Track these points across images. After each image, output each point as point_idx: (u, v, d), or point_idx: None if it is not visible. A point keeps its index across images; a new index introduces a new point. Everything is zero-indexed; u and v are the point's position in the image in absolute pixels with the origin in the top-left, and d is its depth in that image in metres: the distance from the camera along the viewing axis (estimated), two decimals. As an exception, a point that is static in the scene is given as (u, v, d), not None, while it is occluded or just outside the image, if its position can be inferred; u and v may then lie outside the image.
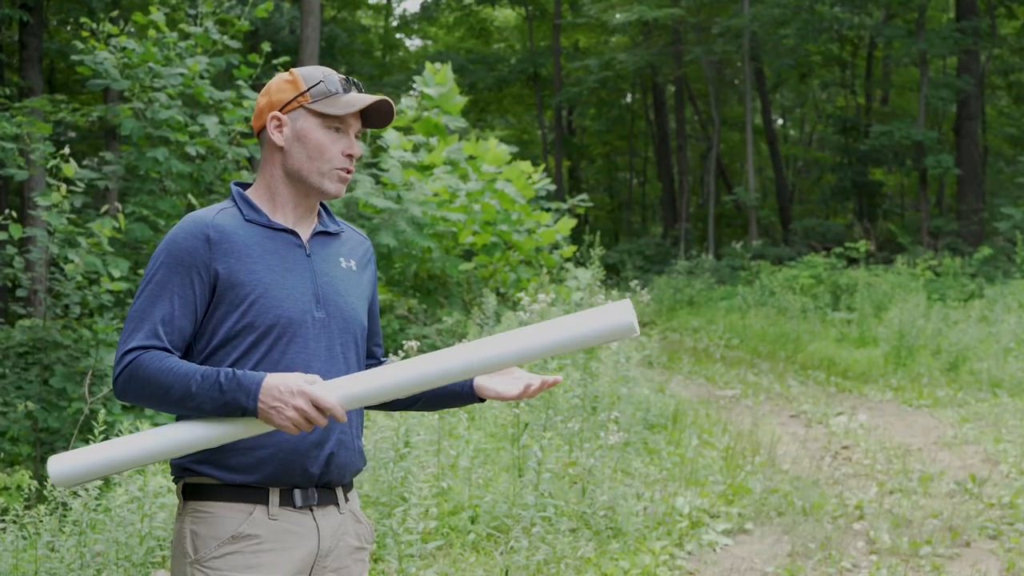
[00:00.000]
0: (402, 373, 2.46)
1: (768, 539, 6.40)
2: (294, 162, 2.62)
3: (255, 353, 2.51)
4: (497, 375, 2.68)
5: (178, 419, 2.56)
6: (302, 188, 2.64)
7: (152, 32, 9.38)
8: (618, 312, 2.40)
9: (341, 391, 2.43)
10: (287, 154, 2.62)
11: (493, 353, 2.44)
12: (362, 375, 2.48)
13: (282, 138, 2.63)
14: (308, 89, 2.61)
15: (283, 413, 2.39)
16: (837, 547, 6.14)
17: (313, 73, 2.64)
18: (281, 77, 2.68)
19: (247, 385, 2.41)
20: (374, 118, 2.69)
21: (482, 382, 2.69)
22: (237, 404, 2.41)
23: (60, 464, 2.46)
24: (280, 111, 2.63)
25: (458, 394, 2.75)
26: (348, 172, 2.65)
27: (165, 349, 2.48)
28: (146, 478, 5.09)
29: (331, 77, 2.63)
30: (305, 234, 2.66)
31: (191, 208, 9.29)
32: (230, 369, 2.44)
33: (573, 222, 13.60)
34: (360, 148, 2.68)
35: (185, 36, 9.85)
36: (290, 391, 2.39)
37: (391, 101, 2.65)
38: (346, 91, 2.63)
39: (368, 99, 2.62)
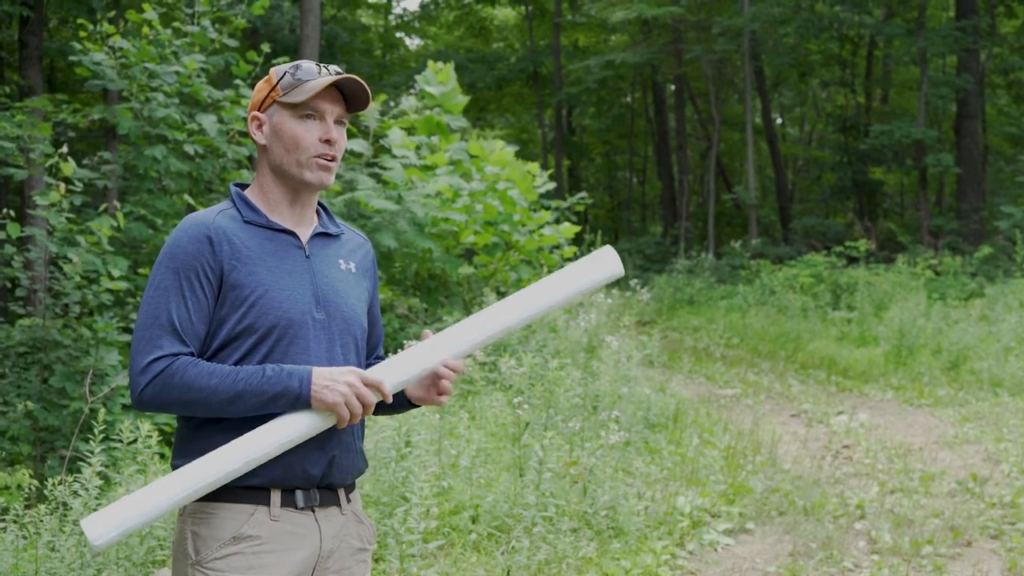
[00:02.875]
0: (442, 347, 2.60)
1: (769, 539, 6.39)
2: (275, 157, 2.61)
3: (256, 355, 2.50)
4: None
5: (182, 435, 2.55)
6: (289, 183, 2.63)
7: (147, 30, 9.36)
8: (606, 259, 2.70)
9: (386, 374, 2.54)
10: (270, 151, 2.62)
11: (509, 319, 2.63)
12: (400, 359, 2.57)
13: (263, 136, 2.63)
14: (278, 82, 2.61)
15: (335, 389, 2.44)
16: (838, 547, 6.13)
17: (285, 67, 2.63)
18: (263, 79, 2.69)
19: (298, 372, 2.45)
20: (354, 101, 2.66)
21: (410, 391, 2.70)
22: (288, 392, 2.44)
23: (96, 526, 2.37)
24: (258, 110, 2.64)
25: (401, 403, 2.75)
26: (330, 159, 2.61)
27: (191, 354, 2.48)
28: (146, 478, 5.09)
29: (304, 66, 2.61)
30: (304, 235, 2.66)
31: (189, 208, 9.27)
32: (274, 364, 2.47)
33: (577, 228, 13.58)
34: (339, 133, 2.64)
35: (181, 34, 9.83)
36: (340, 371, 2.47)
37: (358, 78, 2.61)
38: (311, 77, 2.59)
39: (327, 79, 2.58)
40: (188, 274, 2.49)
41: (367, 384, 2.48)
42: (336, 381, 2.45)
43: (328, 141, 2.61)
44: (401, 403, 2.73)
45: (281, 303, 2.52)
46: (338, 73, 2.63)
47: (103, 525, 2.37)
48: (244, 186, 2.71)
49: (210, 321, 2.52)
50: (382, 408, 2.68)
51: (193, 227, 2.53)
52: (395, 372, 2.55)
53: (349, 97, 2.65)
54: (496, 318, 2.62)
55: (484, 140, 13.62)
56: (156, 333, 2.47)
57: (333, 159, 2.63)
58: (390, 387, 2.52)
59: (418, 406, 2.73)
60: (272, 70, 2.65)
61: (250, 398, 2.43)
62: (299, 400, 2.45)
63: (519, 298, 2.64)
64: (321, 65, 2.63)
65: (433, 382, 2.64)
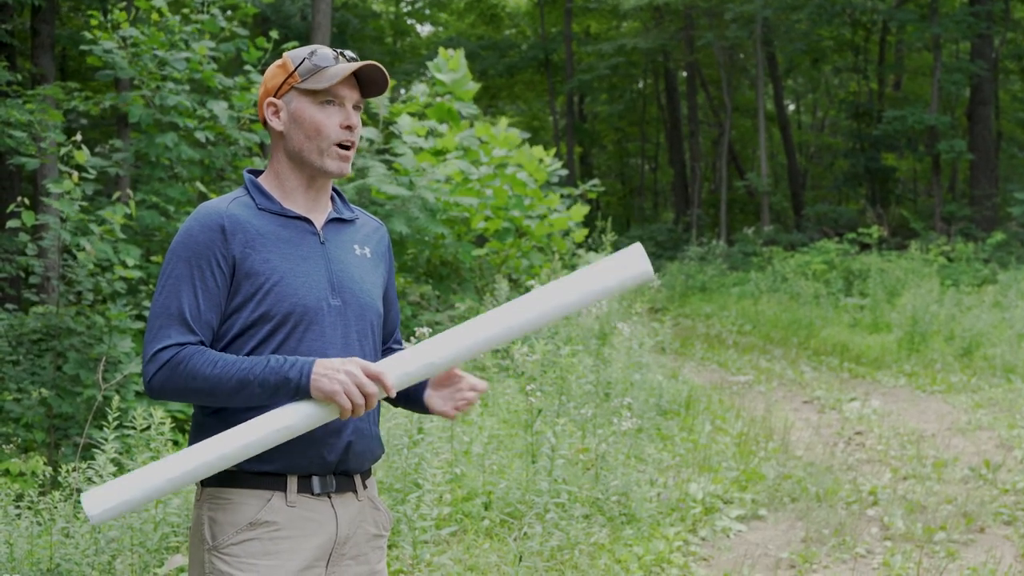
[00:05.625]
0: (451, 344, 2.52)
1: (782, 525, 6.39)
2: (294, 144, 2.60)
3: (271, 342, 2.51)
4: (441, 389, 2.72)
5: (196, 422, 2.56)
6: (306, 170, 2.62)
7: (156, 16, 9.35)
8: (633, 258, 2.51)
9: (389, 367, 2.50)
10: (287, 138, 2.61)
11: (529, 316, 2.51)
12: (407, 353, 2.53)
13: (280, 123, 2.62)
14: (296, 69, 2.59)
15: (335, 377, 2.41)
16: (851, 533, 6.13)
17: (301, 52, 2.62)
18: (275, 64, 2.67)
19: (300, 362, 2.44)
20: (370, 87, 2.65)
21: (429, 399, 2.72)
22: (288, 382, 2.42)
23: (96, 501, 2.39)
24: (274, 96, 2.62)
25: (416, 401, 2.76)
26: (350, 145, 2.62)
27: (200, 343, 2.49)
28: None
29: (320, 52, 2.60)
30: (319, 221, 2.65)
31: (202, 196, 9.28)
32: (278, 355, 2.46)
33: (586, 208, 13.56)
34: (358, 119, 2.64)
35: (189, 22, 9.82)
36: (340, 360, 2.45)
37: (379, 65, 2.61)
38: (330, 64, 2.59)
39: (352, 66, 2.58)
40: (200, 263, 2.49)
41: (368, 375, 2.45)
42: (336, 370, 2.42)
43: (349, 128, 2.61)
44: (417, 400, 2.74)
45: (296, 290, 2.52)
46: (353, 59, 2.63)
47: (102, 501, 2.39)
48: (258, 172, 2.71)
49: (222, 310, 2.52)
50: (401, 400, 2.71)
51: (206, 216, 2.53)
52: (400, 365, 2.51)
53: (365, 83, 2.65)
54: (511, 316, 2.52)
55: (494, 125, 13.61)
56: (166, 322, 2.47)
57: (352, 145, 2.63)
58: (393, 379, 2.48)
59: (429, 412, 2.73)
60: (285, 55, 2.64)
61: (254, 387, 2.43)
62: (299, 390, 2.43)
63: (536, 296, 2.53)
64: (337, 50, 2.62)
65: (452, 395, 2.67)
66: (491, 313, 2.55)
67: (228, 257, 2.50)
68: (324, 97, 2.59)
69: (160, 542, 4.79)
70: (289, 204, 2.62)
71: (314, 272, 2.57)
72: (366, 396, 2.44)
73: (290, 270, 2.53)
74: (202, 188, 9.11)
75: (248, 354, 2.50)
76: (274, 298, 2.50)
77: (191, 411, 6.11)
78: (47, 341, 7.66)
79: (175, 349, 2.45)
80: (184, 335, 2.47)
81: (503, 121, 13.50)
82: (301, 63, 2.59)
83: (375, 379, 2.45)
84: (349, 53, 2.64)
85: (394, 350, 2.86)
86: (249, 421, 2.44)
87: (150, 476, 2.41)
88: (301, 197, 2.64)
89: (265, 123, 2.66)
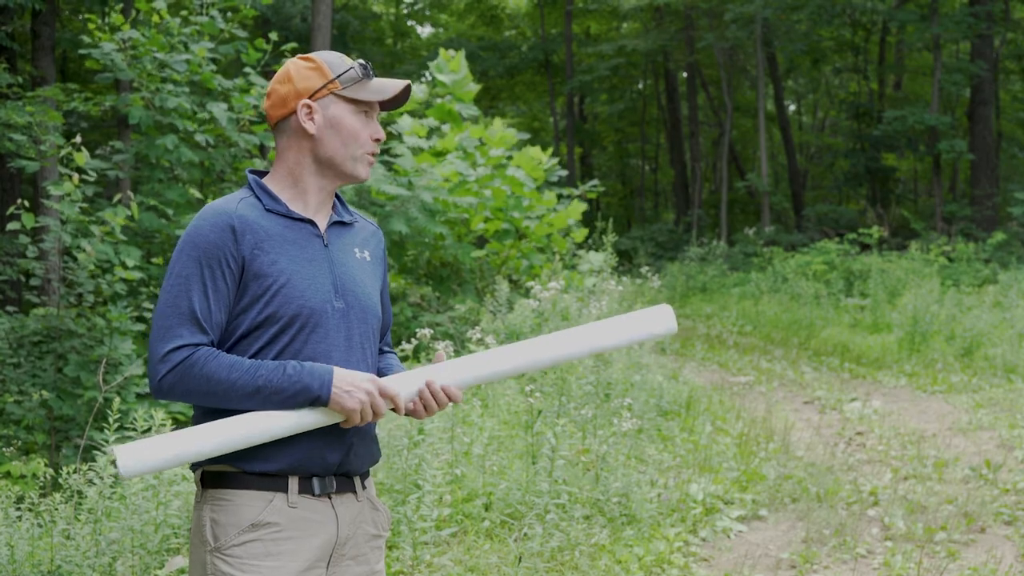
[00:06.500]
0: (467, 369, 2.63)
1: (782, 525, 6.39)
2: (327, 149, 2.62)
3: (277, 344, 2.52)
4: None
5: (197, 420, 2.57)
6: (331, 174, 2.65)
7: (156, 19, 9.36)
8: (663, 316, 2.73)
9: (401, 387, 2.57)
10: (319, 141, 2.62)
11: (552, 354, 2.66)
12: (418, 372, 2.60)
13: (314, 126, 2.61)
14: (339, 76, 2.61)
15: (355, 396, 2.48)
16: (852, 533, 6.13)
17: (334, 59, 2.65)
18: (300, 64, 2.65)
19: (319, 373, 2.47)
20: (390, 101, 2.70)
21: None
22: (308, 392, 2.46)
23: (128, 455, 2.42)
24: (310, 98, 2.62)
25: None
26: (375, 155, 2.69)
27: (211, 344, 2.49)
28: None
29: (348, 61, 2.65)
30: (322, 224, 2.66)
31: (199, 201, 9.29)
32: (294, 361, 2.48)
33: (584, 206, 13.57)
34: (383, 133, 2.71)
35: (188, 23, 9.82)
36: (360, 378, 2.50)
37: (411, 86, 2.68)
38: (369, 76, 2.65)
39: (399, 84, 2.66)
40: (211, 263, 2.49)
41: (383, 395, 2.52)
42: (357, 388, 2.48)
43: (378, 140, 2.67)
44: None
45: (303, 292, 2.54)
46: (371, 68, 2.67)
47: (136, 456, 2.42)
48: (261, 173, 2.71)
49: (230, 311, 2.53)
50: None
51: (216, 216, 2.53)
52: (411, 385, 2.58)
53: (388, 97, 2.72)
54: (531, 352, 2.64)
55: (488, 127, 13.62)
56: (177, 322, 2.47)
57: (376, 155, 2.69)
58: (404, 400, 2.56)
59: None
60: (319, 59, 2.64)
61: (269, 394, 2.45)
62: (318, 401, 2.47)
63: (559, 337, 2.66)
64: (367, 64, 2.67)
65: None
66: (514, 345, 2.66)
67: (238, 258, 2.51)
68: (363, 107, 2.64)
69: (161, 544, 4.79)
70: (295, 206, 2.63)
71: (319, 275, 2.58)
72: (376, 415, 2.52)
73: (296, 272, 2.55)
74: (197, 194, 9.12)
75: (254, 355, 2.51)
76: (281, 300, 2.52)
77: (192, 412, 6.13)
78: (48, 343, 7.67)
79: (189, 350, 2.45)
80: (196, 335, 2.47)
81: (497, 122, 13.52)
82: (347, 71, 2.62)
83: (389, 399, 2.53)
84: (371, 65, 2.68)
85: (383, 352, 2.87)
86: (269, 411, 2.48)
87: (186, 443, 2.44)
88: (313, 199, 2.65)
89: (279, 122, 2.65)
